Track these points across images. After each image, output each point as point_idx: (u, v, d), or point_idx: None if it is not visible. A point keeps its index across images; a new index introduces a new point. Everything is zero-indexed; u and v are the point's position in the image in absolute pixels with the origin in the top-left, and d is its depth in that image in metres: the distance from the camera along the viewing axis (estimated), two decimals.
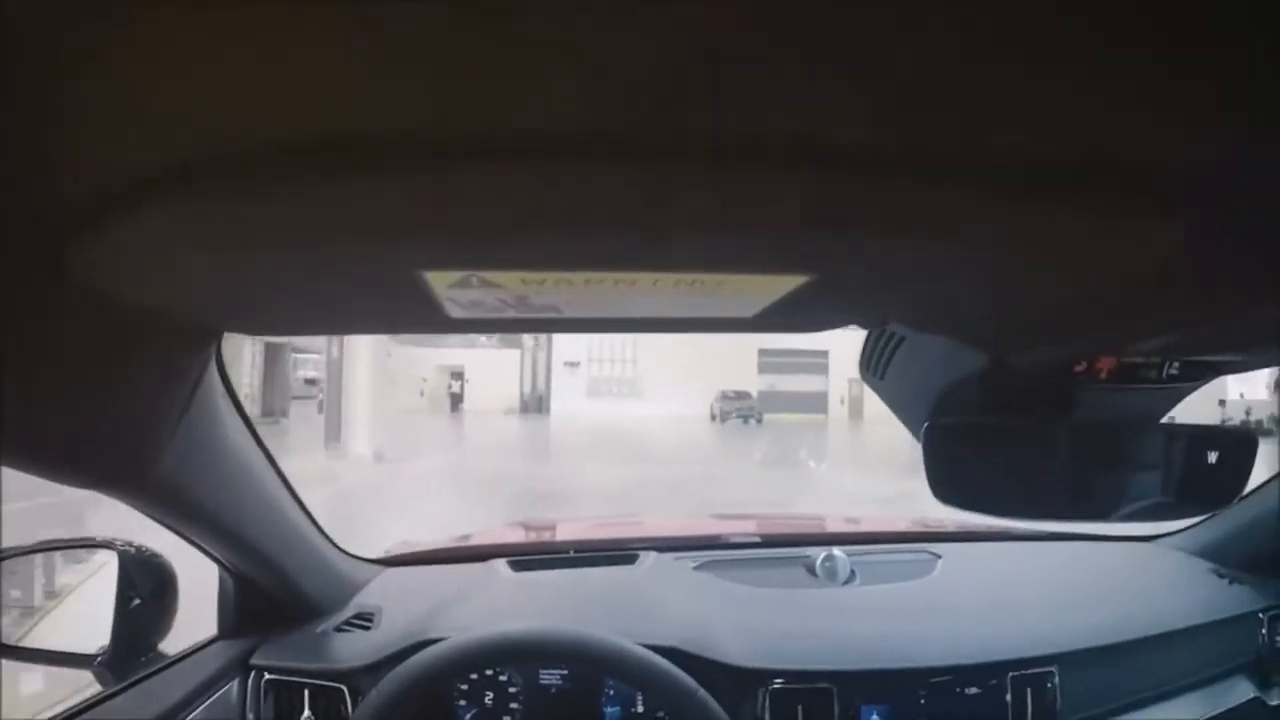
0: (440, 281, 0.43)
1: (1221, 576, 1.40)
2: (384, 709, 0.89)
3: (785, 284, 0.46)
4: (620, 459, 11.03)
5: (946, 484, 0.66)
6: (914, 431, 0.71)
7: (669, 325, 0.62)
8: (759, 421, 23.23)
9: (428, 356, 27.96)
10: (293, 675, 1.05)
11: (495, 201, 0.33)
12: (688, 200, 0.33)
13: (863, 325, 0.70)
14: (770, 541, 1.50)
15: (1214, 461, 0.74)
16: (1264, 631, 1.34)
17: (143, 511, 0.79)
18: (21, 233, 0.36)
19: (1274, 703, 1.32)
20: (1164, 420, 0.76)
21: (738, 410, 23.62)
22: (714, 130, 0.29)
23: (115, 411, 0.59)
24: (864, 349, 0.78)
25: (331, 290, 0.48)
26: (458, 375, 26.92)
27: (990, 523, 1.45)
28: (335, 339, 11.56)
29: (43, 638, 1.05)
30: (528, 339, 27.28)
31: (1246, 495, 1.42)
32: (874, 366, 0.77)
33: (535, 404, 26.93)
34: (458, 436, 18.28)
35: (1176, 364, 0.69)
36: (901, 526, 1.65)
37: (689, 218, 0.35)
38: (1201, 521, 1.49)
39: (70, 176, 0.32)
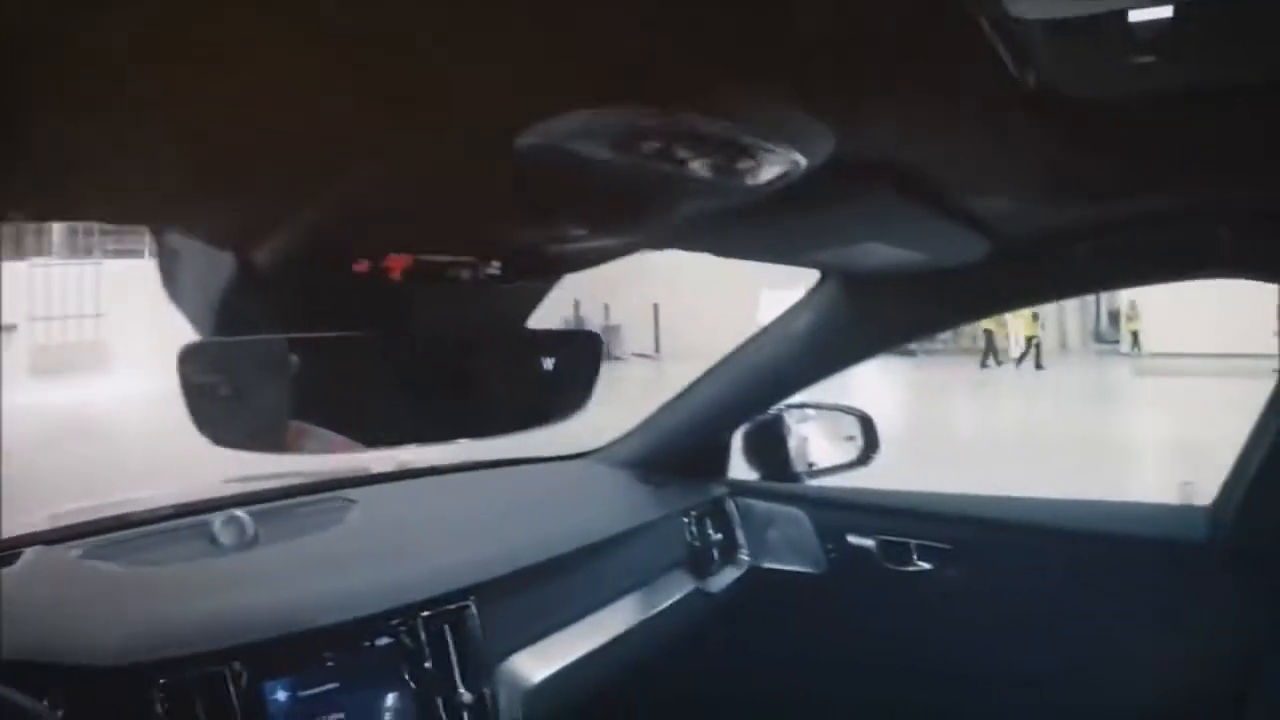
0: None
1: (647, 483, 1.76)
2: None
3: None
4: None
5: (218, 419, 0.68)
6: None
7: None
8: None
9: None
10: None
11: None
12: None
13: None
14: (181, 511, 1.50)
15: (565, 365, 0.90)
16: (692, 528, 1.72)
17: None
18: None
19: (713, 590, 1.72)
20: (503, 326, 0.88)
21: None
22: None
23: None
24: (157, 262, 0.76)
25: None
26: None
27: (415, 458, 1.62)
28: None
29: None
30: None
31: (667, 403, 1.80)
32: (169, 282, 0.75)
33: None
34: None
35: (495, 263, 0.78)
36: (318, 475, 1.74)
37: None
38: (626, 435, 1.84)
39: None
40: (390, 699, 1.20)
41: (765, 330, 1.75)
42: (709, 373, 1.79)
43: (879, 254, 1.20)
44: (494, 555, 1.38)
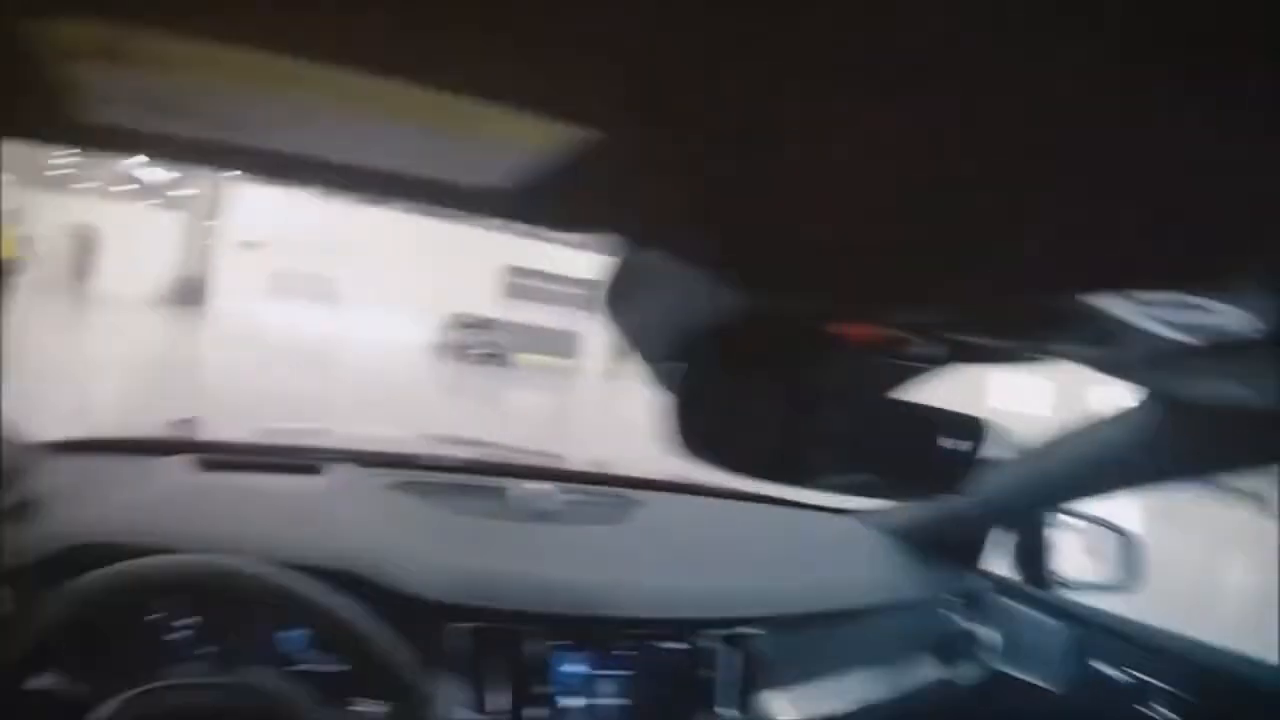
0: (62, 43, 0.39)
1: (911, 557, 1.72)
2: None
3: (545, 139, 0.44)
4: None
5: (694, 435, 0.73)
6: (651, 371, 0.79)
7: (392, 186, 0.58)
8: (504, 364, 21.94)
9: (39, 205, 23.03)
10: None
11: None
12: None
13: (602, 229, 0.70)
14: (476, 468, 1.60)
15: (943, 448, 0.91)
16: (950, 615, 1.69)
17: None
18: None
19: (958, 683, 1.68)
20: (904, 399, 0.91)
21: (481, 345, 22.03)
22: None
23: None
24: (611, 270, 0.81)
25: None
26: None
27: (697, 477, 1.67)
28: None
29: None
30: (195, 200, 23.57)
31: None
32: (616, 293, 0.81)
33: (190, 293, 22.26)
34: None
35: (938, 343, 0.78)
36: (612, 470, 1.83)
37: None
38: (899, 505, 1.82)
39: None
40: (666, 700, 1.25)
41: (1069, 434, 1.70)
42: (999, 465, 1.76)
43: (1222, 389, 1.15)
44: (783, 593, 1.41)
